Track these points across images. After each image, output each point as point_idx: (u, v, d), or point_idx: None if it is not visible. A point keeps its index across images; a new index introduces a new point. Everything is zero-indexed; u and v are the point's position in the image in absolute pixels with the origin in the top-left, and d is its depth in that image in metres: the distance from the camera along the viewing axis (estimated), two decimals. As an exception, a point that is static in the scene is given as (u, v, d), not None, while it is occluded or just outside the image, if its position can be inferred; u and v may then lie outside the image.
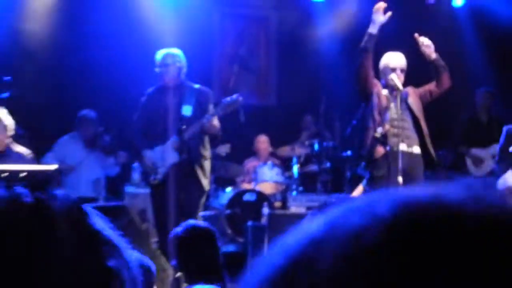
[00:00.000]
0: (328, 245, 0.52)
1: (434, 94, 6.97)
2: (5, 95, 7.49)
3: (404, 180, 6.51)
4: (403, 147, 6.63)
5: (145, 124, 7.00)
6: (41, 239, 0.79)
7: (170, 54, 6.94)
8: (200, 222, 4.60)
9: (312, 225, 0.56)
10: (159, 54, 6.96)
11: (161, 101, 6.87)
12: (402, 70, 6.71)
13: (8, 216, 0.79)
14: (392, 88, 6.68)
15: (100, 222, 0.85)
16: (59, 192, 0.89)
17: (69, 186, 8.06)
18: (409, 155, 6.62)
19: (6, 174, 6.14)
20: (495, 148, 9.04)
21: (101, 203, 8.02)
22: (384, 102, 6.71)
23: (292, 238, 0.57)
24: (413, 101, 6.79)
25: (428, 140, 6.87)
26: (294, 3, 10.70)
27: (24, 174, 6.22)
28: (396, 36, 9.37)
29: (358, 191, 8.12)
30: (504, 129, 7.16)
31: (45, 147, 8.28)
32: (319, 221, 0.56)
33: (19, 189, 0.85)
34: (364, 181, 7.86)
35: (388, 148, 6.67)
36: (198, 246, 3.76)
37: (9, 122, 6.79)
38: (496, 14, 10.27)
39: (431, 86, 6.96)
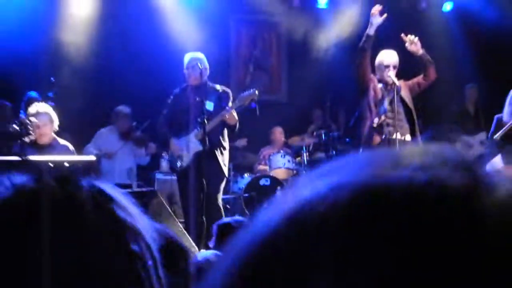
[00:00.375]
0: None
1: (422, 86, 6.95)
2: (51, 93, 7.53)
3: None
4: (397, 135, 6.66)
5: (172, 118, 7.07)
6: (68, 225, 0.76)
7: (195, 57, 6.99)
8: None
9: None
10: (186, 58, 7.02)
11: (187, 98, 6.90)
12: (394, 67, 6.73)
13: (35, 202, 0.75)
14: (386, 83, 6.72)
15: (125, 208, 0.81)
16: (86, 180, 0.82)
17: (105, 174, 8.12)
18: (403, 142, 6.60)
19: (51, 164, 6.22)
20: (482, 136, 9.05)
21: (134, 189, 8.08)
22: (379, 95, 6.75)
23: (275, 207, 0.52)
24: (405, 94, 6.78)
25: (417, 129, 6.89)
26: (302, 10, 10.64)
27: (67, 164, 6.29)
28: (392, 38, 9.36)
29: None
30: (495, 117, 7.10)
31: (85, 140, 8.33)
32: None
33: (45, 178, 0.80)
34: None
35: (383, 136, 6.71)
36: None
37: (55, 117, 6.83)
38: (480, 18, 10.22)
39: (419, 78, 6.94)
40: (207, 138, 6.60)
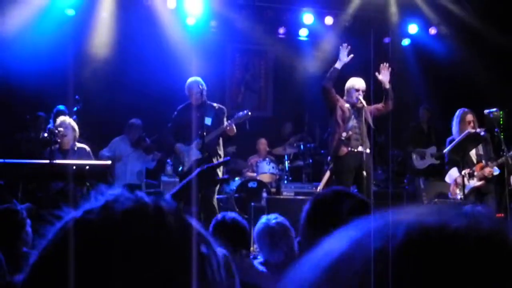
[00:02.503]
0: (355, 260, 0.52)
1: (379, 112, 6.98)
2: (75, 109, 7.59)
3: (360, 173, 6.63)
4: (361, 148, 6.74)
5: (176, 130, 7.12)
6: (172, 232, 0.76)
7: (196, 81, 7.03)
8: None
9: (341, 242, 0.56)
10: (188, 81, 7.07)
11: (189, 114, 6.93)
12: (363, 91, 6.81)
13: (142, 216, 0.77)
14: (354, 104, 6.77)
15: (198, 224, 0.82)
16: (164, 196, 0.84)
17: (119, 175, 8.16)
18: (366, 154, 6.69)
19: (74, 167, 6.27)
20: (432, 149, 9.18)
21: (143, 190, 8.12)
22: (347, 113, 6.80)
23: (324, 251, 0.56)
24: (368, 114, 6.80)
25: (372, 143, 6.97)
26: (286, 41, 10.72)
27: (87, 167, 6.34)
28: (361, 66, 9.49)
29: (325, 179, 8.19)
30: (447, 140, 7.23)
31: (103, 146, 8.37)
32: (347, 239, 0.56)
33: (141, 194, 0.81)
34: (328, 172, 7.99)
35: (349, 148, 6.78)
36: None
37: (76, 127, 6.89)
38: (432, 51, 10.37)
39: (379, 106, 6.97)
40: (205, 148, 6.67)
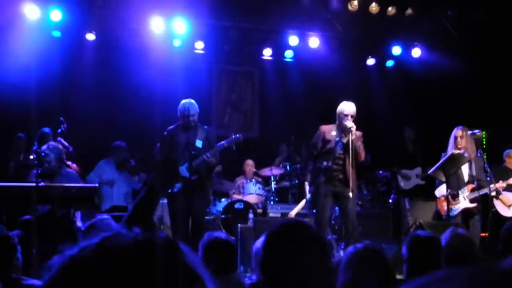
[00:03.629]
0: None
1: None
2: (59, 130, 7.59)
3: (342, 197, 6.66)
4: (341, 176, 6.70)
5: (166, 150, 6.97)
6: (164, 271, 0.78)
7: (191, 103, 6.97)
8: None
9: None
10: (183, 103, 6.98)
11: (180, 136, 6.91)
12: (352, 116, 6.69)
13: (136, 255, 0.78)
14: (343, 129, 6.67)
15: (193, 258, 0.83)
16: (161, 233, 0.85)
17: (106, 198, 8.12)
18: (346, 182, 6.63)
19: (61, 189, 6.25)
20: (418, 170, 9.27)
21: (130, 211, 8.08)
22: (331, 144, 6.73)
23: None
24: (355, 141, 6.68)
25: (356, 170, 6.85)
26: (271, 63, 10.84)
27: (74, 190, 6.32)
28: (348, 88, 9.61)
29: (301, 205, 8.25)
30: (442, 154, 7.29)
31: (87, 167, 8.33)
32: None
33: (137, 231, 0.83)
34: (308, 197, 7.98)
35: (326, 178, 6.71)
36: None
37: (62, 153, 6.87)
38: (416, 71, 10.52)
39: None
40: (195, 171, 6.67)
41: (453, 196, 7.09)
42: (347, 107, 6.76)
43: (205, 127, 7.10)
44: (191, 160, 6.58)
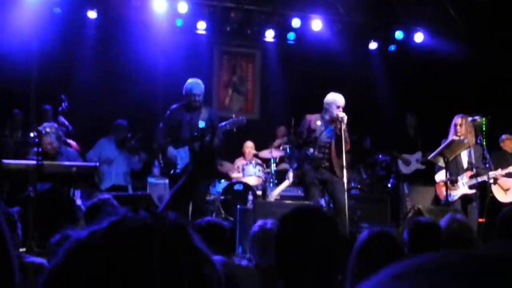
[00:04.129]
0: None
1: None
2: (60, 108, 7.58)
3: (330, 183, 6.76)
4: (328, 163, 6.86)
5: (169, 131, 6.93)
6: (173, 254, 0.77)
7: (198, 83, 6.93)
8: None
9: None
10: (190, 81, 6.92)
11: (183, 116, 6.85)
12: (343, 107, 6.88)
13: (144, 239, 0.77)
14: (333, 119, 6.85)
15: (198, 239, 0.82)
16: (170, 215, 0.84)
17: (105, 177, 8.11)
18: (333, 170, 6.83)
19: (61, 168, 6.26)
20: (418, 155, 9.27)
21: (131, 191, 8.09)
22: (317, 133, 6.90)
23: None
24: (343, 130, 6.79)
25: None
26: (273, 45, 10.79)
27: (74, 168, 6.33)
28: (350, 72, 9.57)
29: (283, 185, 8.30)
30: (442, 141, 7.36)
31: (88, 145, 8.33)
32: None
33: (143, 213, 0.82)
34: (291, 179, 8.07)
35: (315, 165, 6.88)
36: None
37: (56, 130, 6.86)
38: (418, 57, 10.44)
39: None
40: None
41: (452, 182, 7.16)
42: (340, 99, 6.94)
43: (208, 108, 7.05)
44: (193, 142, 6.55)
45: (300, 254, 1.95)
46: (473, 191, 7.18)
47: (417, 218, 3.61)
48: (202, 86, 6.92)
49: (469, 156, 7.27)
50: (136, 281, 0.74)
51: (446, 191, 7.02)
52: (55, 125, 7.00)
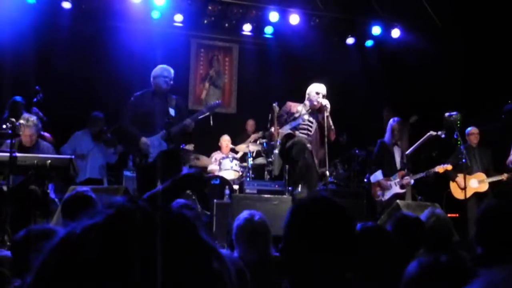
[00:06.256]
0: None
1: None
2: (35, 99, 7.43)
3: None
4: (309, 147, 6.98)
5: (135, 119, 6.54)
6: (164, 245, 0.70)
7: (167, 68, 6.71)
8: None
9: None
10: (158, 67, 6.71)
11: (151, 103, 6.57)
12: (324, 95, 7.06)
13: (143, 224, 0.71)
14: (314, 107, 7.04)
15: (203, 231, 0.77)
16: (175, 207, 0.78)
17: (81, 170, 7.97)
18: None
19: (36, 160, 6.11)
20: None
21: (106, 185, 7.97)
22: (298, 113, 7.05)
23: None
24: (325, 117, 6.95)
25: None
26: (250, 38, 10.75)
27: (49, 161, 6.18)
28: (327, 66, 9.56)
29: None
30: (378, 141, 7.63)
31: (63, 138, 8.17)
32: None
33: (143, 203, 0.75)
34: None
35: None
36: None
37: (37, 123, 6.74)
38: (393, 52, 10.53)
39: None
40: (171, 140, 6.47)
41: (386, 182, 7.59)
42: (320, 87, 7.15)
43: (174, 96, 6.76)
44: (168, 129, 6.42)
45: (311, 248, 1.82)
46: (403, 190, 7.55)
47: (401, 213, 3.63)
48: (172, 71, 6.69)
49: (401, 157, 7.65)
50: (140, 277, 0.67)
51: (381, 191, 7.61)
52: (35, 117, 6.86)
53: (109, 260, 0.68)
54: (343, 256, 1.82)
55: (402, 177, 7.55)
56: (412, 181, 7.63)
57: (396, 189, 7.58)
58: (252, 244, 3.36)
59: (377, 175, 7.66)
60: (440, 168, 7.50)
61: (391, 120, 7.74)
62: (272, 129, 7.25)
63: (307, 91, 7.20)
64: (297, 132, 7.06)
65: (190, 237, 0.74)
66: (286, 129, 7.15)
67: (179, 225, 0.75)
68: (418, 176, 7.60)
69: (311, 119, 7.11)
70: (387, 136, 7.71)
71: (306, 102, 7.19)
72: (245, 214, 3.54)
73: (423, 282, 1.78)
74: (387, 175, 7.62)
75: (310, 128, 7.07)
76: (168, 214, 0.75)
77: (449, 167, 7.57)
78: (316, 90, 7.08)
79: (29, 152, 6.41)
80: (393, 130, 7.61)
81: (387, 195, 7.58)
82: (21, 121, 6.53)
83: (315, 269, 1.82)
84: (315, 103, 7.02)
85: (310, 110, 7.12)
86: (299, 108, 7.12)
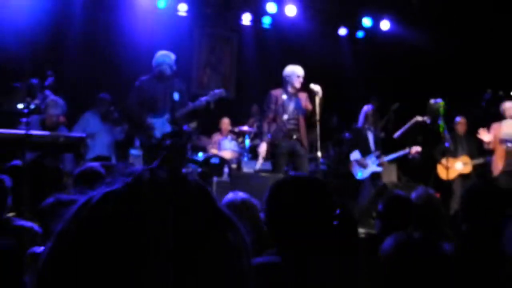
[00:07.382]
0: None
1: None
2: (47, 82, 7.46)
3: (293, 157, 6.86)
4: (296, 136, 6.89)
5: (140, 102, 6.56)
6: (182, 212, 0.67)
7: (168, 54, 6.71)
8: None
9: None
10: (160, 53, 6.69)
11: (156, 87, 6.56)
12: (303, 77, 6.86)
13: (159, 191, 0.68)
14: (294, 88, 6.87)
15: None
16: (192, 175, 0.74)
17: (90, 148, 8.05)
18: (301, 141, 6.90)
19: (49, 138, 6.18)
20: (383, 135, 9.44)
21: (113, 162, 8.02)
22: (285, 104, 6.90)
23: None
24: (305, 103, 6.94)
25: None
26: (249, 28, 10.75)
27: (62, 138, 6.25)
28: (321, 56, 9.59)
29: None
30: (352, 127, 7.74)
31: (74, 118, 8.21)
32: None
33: (161, 172, 0.71)
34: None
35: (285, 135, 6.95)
36: None
37: (63, 105, 6.79)
38: (382, 43, 10.52)
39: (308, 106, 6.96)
40: (176, 122, 6.52)
41: (363, 160, 7.80)
42: (298, 69, 6.90)
43: (176, 79, 6.74)
44: (173, 113, 6.45)
45: (295, 224, 1.82)
46: (380, 168, 7.78)
47: (393, 192, 3.59)
48: (173, 56, 6.66)
49: (375, 140, 7.91)
50: (158, 243, 0.64)
51: (359, 168, 7.84)
52: (62, 101, 6.92)
53: (127, 225, 0.65)
54: (330, 233, 1.81)
55: (377, 157, 7.78)
56: (386, 159, 7.86)
57: (373, 168, 7.79)
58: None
59: (354, 155, 7.88)
60: (412, 149, 7.70)
61: (365, 107, 7.91)
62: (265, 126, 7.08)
63: (285, 74, 6.93)
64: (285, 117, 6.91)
65: (208, 206, 0.71)
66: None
67: (197, 194, 0.71)
68: (392, 156, 7.84)
69: (296, 107, 6.90)
70: (360, 121, 7.88)
71: (287, 88, 6.92)
72: (229, 196, 3.38)
73: (397, 257, 1.89)
74: (363, 156, 7.84)
75: (296, 117, 6.90)
76: (186, 183, 0.71)
77: (418, 148, 7.70)
78: (296, 73, 6.84)
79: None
80: (367, 116, 7.82)
81: (365, 173, 7.78)
82: (48, 101, 6.57)
83: (297, 237, 1.82)
84: (297, 85, 6.81)
85: (292, 94, 6.92)
86: (284, 97, 6.90)
